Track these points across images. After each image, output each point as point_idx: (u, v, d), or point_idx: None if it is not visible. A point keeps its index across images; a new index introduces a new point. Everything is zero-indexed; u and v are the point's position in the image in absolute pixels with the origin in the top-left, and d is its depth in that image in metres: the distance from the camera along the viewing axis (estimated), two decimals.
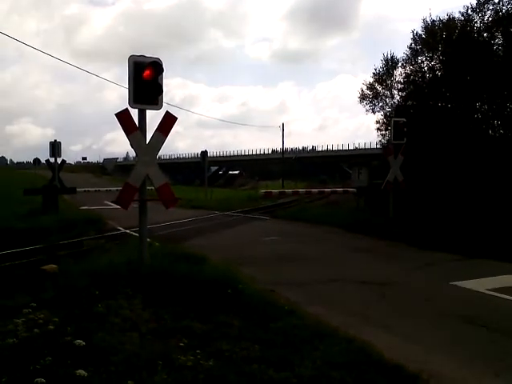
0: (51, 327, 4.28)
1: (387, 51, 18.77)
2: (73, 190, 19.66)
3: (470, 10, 15.47)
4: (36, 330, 4.18)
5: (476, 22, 15.53)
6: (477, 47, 14.64)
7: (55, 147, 18.95)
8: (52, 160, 19.41)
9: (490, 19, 15.08)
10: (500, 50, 15.06)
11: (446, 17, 16.58)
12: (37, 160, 40.23)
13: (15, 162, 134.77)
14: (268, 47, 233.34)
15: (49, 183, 19.92)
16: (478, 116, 15.77)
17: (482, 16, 15.31)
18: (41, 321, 4.39)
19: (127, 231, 12.98)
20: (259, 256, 10.48)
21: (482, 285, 7.59)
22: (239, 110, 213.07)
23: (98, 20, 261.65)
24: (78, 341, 3.95)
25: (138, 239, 7.59)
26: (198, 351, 4.25)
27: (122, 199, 7.08)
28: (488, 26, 15.17)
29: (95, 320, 4.79)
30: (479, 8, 15.28)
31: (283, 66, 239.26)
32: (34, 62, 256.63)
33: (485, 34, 15.35)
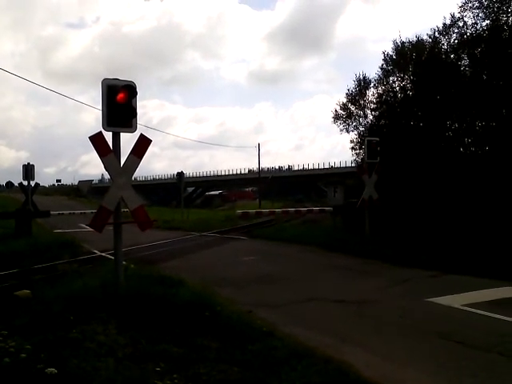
0: (23, 355, 4.16)
1: (359, 72, 19.26)
2: (47, 214, 19.37)
3: (437, 33, 16.09)
4: (6, 359, 4.05)
5: (443, 44, 16.14)
6: (445, 68, 15.12)
7: (28, 170, 18.74)
8: (25, 183, 19.14)
9: (456, 41, 15.66)
10: (467, 70, 15.58)
11: (415, 39, 17.20)
12: (9, 183, 39.63)
13: None
14: (245, 68, 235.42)
15: (22, 207, 19.57)
16: (449, 134, 16.17)
17: (449, 38, 15.93)
18: (12, 349, 4.26)
19: (102, 254, 12.79)
20: (237, 277, 10.43)
21: (457, 300, 7.69)
22: (216, 131, 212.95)
23: (75, 42, 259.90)
24: (50, 369, 3.85)
25: (113, 262, 7.49)
26: (175, 375, 4.20)
27: (97, 222, 7.00)
28: (454, 48, 15.74)
29: (69, 346, 4.68)
30: (445, 31, 15.87)
31: (260, 86, 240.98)
32: (7, 84, 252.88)
33: (452, 56, 15.90)
